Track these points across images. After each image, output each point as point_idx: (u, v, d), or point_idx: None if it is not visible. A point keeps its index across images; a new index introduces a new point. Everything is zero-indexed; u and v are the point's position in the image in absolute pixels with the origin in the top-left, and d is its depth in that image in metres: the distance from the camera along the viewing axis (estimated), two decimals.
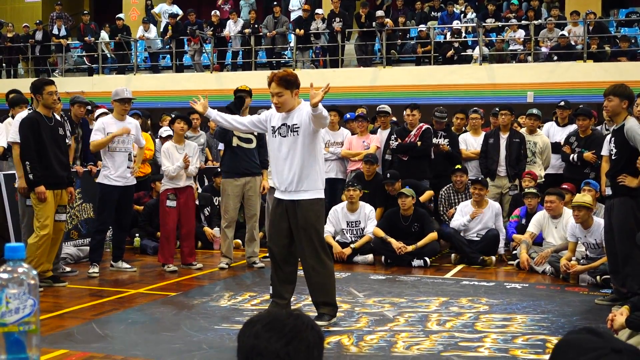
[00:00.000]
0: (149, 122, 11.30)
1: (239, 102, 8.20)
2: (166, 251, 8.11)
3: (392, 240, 8.45)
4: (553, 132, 10.21)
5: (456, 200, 9.48)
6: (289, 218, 5.62)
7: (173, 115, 8.63)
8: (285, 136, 5.56)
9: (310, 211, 5.55)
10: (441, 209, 9.60)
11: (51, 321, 5.71)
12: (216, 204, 9.81)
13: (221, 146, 8.63)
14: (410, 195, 8.64)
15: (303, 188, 5.53)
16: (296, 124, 5.51)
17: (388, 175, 9.20)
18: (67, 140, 7.58)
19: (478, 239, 8.69)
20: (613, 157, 6.32)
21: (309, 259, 5.59)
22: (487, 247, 8.64)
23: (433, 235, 8.61)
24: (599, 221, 7.38)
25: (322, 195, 5.67)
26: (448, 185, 9.59)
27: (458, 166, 9.56)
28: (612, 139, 6.35)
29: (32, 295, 1.63)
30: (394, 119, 11.09)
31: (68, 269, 7.93)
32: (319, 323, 5.48)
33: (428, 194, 9.39)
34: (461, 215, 8.86)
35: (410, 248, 8.39)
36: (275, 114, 5.69)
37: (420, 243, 8.47)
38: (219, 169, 8.93)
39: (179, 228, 8.22)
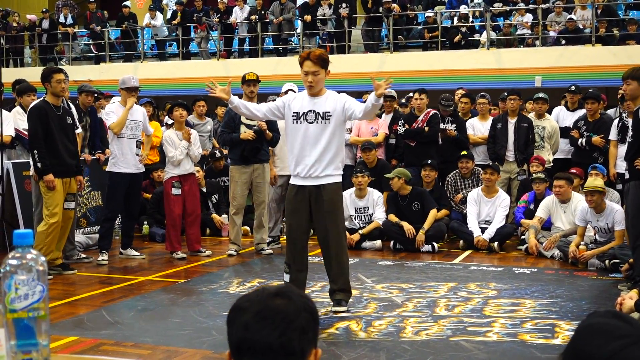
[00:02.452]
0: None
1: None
2: (173, 238, 8.13)
3: (405, 223, 8.47)
4: (563, 117, 10.17)
5: (462, 186, 9.47)
6: (310, 204, 5.56)
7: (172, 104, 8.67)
8: (312, 122, 5.46)
9: (337, 195, 5.60)
10: (448, 195, 9.59)
11: (61, 308, 5.74)
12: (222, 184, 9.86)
13: None
14: (395, 176, 8.65)
15: (327, 173, 5.51)
16: (329, 112, 5.45)
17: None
18: (75, 129, 7.61)
19: (486, 227, 8.64)
20: (629, 140, 6.30)
21: (335, 244, 5.54)
22: (501, 241, 8.62)
23: (434, 212, 8.62)
24: (611, 205, 7.37)
25: (341, 179, 5.70)
26: (454, 172, 9.57)
27: (464, 152, 9.53)
28: (631, 121, 6.32)
29: (41, 281, 1.63)
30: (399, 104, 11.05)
31: (83, 255, 7.99)
32: (339, 309, 5.56)
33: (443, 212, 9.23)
34: (474, 205, 8.79)
35: (420, 233, 8.38)
36: (297, 99, 5.57)
37: (426, 225, 8.47)
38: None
39: (185, 215, 8.24)
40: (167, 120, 10.45)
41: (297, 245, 5.63)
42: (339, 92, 5.71)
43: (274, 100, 9.11)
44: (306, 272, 5.75)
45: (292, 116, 5.54)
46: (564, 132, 9.85)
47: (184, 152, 8.05)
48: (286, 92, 8.68)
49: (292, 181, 5.66)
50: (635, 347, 1.32)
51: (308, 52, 5.48)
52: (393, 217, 8.64)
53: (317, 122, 5.46)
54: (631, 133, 6.26)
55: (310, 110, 5.48)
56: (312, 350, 1.49)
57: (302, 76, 5.48)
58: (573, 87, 10.19)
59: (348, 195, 8.87)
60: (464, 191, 9.35)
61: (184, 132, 8.09)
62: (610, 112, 10.18)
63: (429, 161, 9.12)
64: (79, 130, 7.96)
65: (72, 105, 7.98)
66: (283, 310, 1.46)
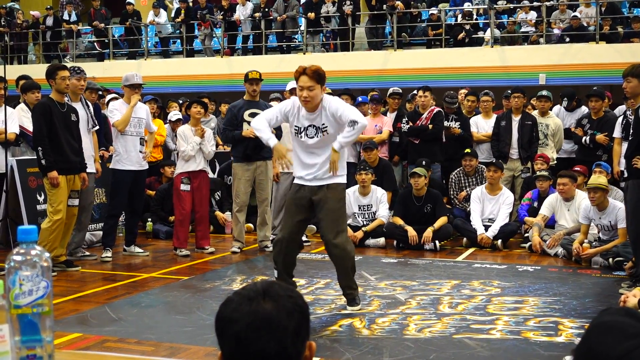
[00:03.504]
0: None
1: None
2: (181, 235, 8.15)
3: (409, 229, 8.43)
4: (562, 117, 10.15)
5: (466, 184, 9.46)
6: (312, 201, 5.58)
7: (181, 101, 8.69)
8: (312, 137, 5.54)
9: (341, 194, 5.64)
10: (451, 192, 9.58)
11: (65, 305, 5.75)
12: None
13: None
14: (423, 175, 8.62)
15: (331, 174, 5.56)
16: (324, 124, 5.52)
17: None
18: (89, 126, 7.61)
19: (490, 225, 8.63)
20: (630, 138, 6.29)
21: (339, 242, 5.55)
22: (505, 238, 8.60)
23: (444, 219, 8.58)
24: (614, 203, 7.37)
25: (345, 181, 5.72)
26: (458, 169, 9.56)
27: (467, 150, 9.52)
28: (633, 119, 6.31)
29: (45, 277, 1.64)
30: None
31: (88, 252, 8.00)
32: (353, 308, 5.57)
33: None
34: (478, 202, 8.76)
35: (429, 229, 8.35)
36: (300, 113, 5.59)
37: (436, 225, 8.44)
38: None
39: (193, 212, 8.26)
40: (171, 117, 10.47)
41: (284, 243, 5.64)
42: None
43: (277, 98, 9.17)
44: (291, 274, 5.78)
45: (294, 129, 5.61)
46: (565, 133, 9.82)
47: (195, 148, 8.07)
48: (290, 91, 8.71)
49: (296, 181, 5.72)
50: None
51: (304, 67, 5.44)
52: (398, 220, 8.61)
53: (317, 137, 5.53)
54: (632, 131, 6.25)
55: (310, 125, 5.54)
56: (306, 346, 1.50)
57: (298, 91, 5.49)
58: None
59: (352, 192, 8.86)
60: (468, 189, 9.35)
61: (197, 129, 8.10)
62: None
63: (422, 161, 9.03)
64: (97, 128, 7.95)
65: (89, 104, 7.95)
66: (275, 318, 1.45)
